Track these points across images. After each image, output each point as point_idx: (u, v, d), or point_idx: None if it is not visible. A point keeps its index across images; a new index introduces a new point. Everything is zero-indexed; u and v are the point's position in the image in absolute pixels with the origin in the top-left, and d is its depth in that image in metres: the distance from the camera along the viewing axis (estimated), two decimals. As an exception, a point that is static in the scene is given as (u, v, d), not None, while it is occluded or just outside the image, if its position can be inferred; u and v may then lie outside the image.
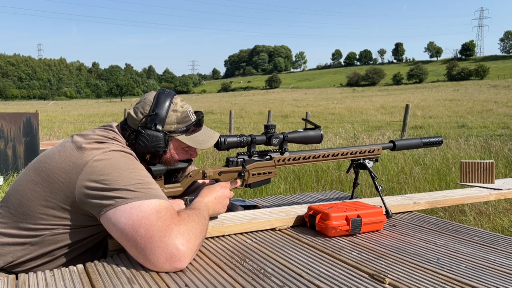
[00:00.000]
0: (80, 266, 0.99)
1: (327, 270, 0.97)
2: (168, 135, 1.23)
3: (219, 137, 1.30)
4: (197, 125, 1.28)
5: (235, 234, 1.25)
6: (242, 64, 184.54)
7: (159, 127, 1.20)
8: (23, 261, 1.09)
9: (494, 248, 1.13)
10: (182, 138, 1.25)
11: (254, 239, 1.21)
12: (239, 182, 1.34)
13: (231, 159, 1.34)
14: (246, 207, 1.60)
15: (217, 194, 1.24)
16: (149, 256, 0.94)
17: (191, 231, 0.98)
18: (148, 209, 0.98)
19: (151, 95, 1.25)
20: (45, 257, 1.10)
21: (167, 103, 1.22)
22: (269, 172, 1.39)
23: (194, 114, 1.29)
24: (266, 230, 1.30)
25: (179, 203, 1.25)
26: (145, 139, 1.19)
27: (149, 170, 1.22)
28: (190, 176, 1.28)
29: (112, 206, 1.00)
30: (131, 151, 1.17)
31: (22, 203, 1.09)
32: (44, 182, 1.08)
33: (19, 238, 1.09)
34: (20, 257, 1.08)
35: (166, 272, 0.95)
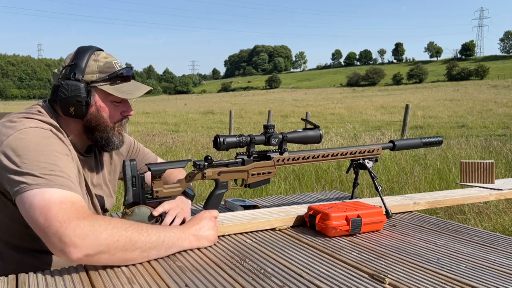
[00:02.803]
0: (80, 266, 0.99)
1: (327, 270, 0.96)
2: (90, 84, 1.18)
3: (218, 137, 1.29)
4: (124, 77, 1.21)
5: (235, 234, 1.25)
6: (242, 64, 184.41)
7: (78, 76, 1.16)
8: None
9: (494, 248, 1.13)
10: (106, 87, 1.19)
11: (254, 239, 1.20)
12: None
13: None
14: (246, 207, 1.59)
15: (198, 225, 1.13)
16: (46, 243, 0.94)
17: (95, 229, 0.92)
18: (51, 198, 0.95)
19: (74, 50, 1.21)
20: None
21: (88, 53, 1.18)
22: (269, 172, 1.39)
23: (121, 67, 1.23)
24: (266, 230, 1.30)
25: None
26: (64, 90, 1.15)
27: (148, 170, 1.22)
28: (190, 177, 1.28)
29: (18, 192, 0.98)
30: (54, 124, 1.14)
31: None
32: None
33: None
34: None
35: (166, 272, 0.95)
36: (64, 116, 1.20)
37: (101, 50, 1.24)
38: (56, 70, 1.21)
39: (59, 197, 0.96)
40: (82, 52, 1.18)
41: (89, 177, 1.28)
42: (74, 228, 0.92)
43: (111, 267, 0.98)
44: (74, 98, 1.15)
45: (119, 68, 1.21)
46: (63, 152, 1.09)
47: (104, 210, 1.36)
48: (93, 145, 1.30)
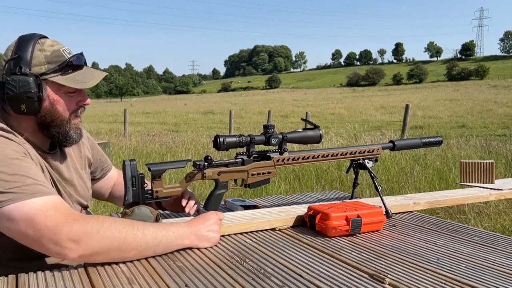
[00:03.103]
0: (80, 266, 0.99)
1: (327, 270, 0.96)
2: (39, 77, 1.08)
3: (218, 137, 1.29)
4: (74, 65, 1.12)
5: (235, 234, 1.25)
6: (242, 64, 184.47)
7: (25, 70, 1.06)
8: None
9: (494, 248, 1.13)
10: (57, 79, 1.09)
11: (254, 239, 1.20)
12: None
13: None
14: (246, 207, 1.59)
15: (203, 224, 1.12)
16: (41, 250, 0.95)
17: (87, 232, 0.93)
18: (30, 210, 0.93)
19: (14, 41, 1.11)
20: None
21: (31, 43, 1.08)
22: (269, 172, 1.39)
23: (71, 55, 1.13)
24: (266, 230, 1.30)
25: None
26: (12, 86, 1.05)
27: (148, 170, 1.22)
28: (190, 177, 1.28)
29: None
30: (1, 126, 1.05)
31: None
32: None
33: None
34: None
35: (165, 272, 0.95)
36: (15, 114, 1.11)
37: (45, 37, 1.14)
38: None
39: (39, 206, 0.94)
40: (25, 42, 1.08)
41: (57, 174, 1.21)
42: (67, 232, 0.92)
43: (111, 267, 0.98)
44: (24, 94, 1.06)
45: (68, 56, 1.12)
46: (19, 155, 1.02)
47: (84, 206, 1.32)
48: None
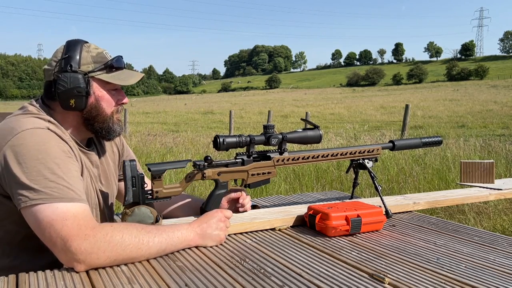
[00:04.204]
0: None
1: (327, 270, 0.97)
2: (87, 75, 1.18)
3: (218, 137, 1.29)
4: (114, 66, 1.22)
5: (235, 234, 1.25)
6: (242, 64, 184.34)
7: (75, 67, 1.16)
8: None
9: (494, 248, 1.13)
10: (103, 76, 1.20)
11: (254, 239, 1.21)
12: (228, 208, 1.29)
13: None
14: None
15: (209, 221, 1.16)
16: (54, 253, 0.99)
17: (94, 251, 0.96)
18: (53, 215, 0.98)
19: (62, 45, 1.22)
20: None
21: (79, 46, 1.19)
22: (269, 172, 1.39)
23: (112, 57, 1.24)
24: (266, 230, 1.30)
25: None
26: (64, 82, 1.14)
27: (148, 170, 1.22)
28: (190, 177, 1.28)
29: (20, 204, 1.00)
30: (52, 120, 1.14)
31: None
32: None
33: None
34: None
35: (166, 271, 0.96)
36: (62, 110, 1.18)
37: (88, 42, 1.24)
38: (47, 66, 1.20)
39: (61, 213, 0.98)
40: (73, 45, 1.19)
41: (95, 170, 1.28)
42: (75, 248, 0.96)
43: (112, 266, 0.99)
44: (74, 89, 1.15)
45: (110, 58, 1.22)
46: (64, 155, 1.08)
47: (111, 203, 1.37)
48: (92, 139, 1.31)
